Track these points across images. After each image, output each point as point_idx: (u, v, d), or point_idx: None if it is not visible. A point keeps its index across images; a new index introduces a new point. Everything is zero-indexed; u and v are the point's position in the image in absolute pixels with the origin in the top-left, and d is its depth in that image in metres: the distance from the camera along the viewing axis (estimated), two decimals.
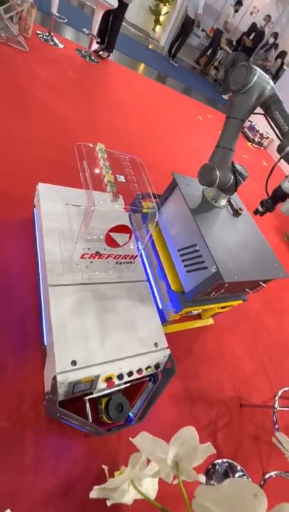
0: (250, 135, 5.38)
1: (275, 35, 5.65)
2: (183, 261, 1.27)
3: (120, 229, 0.99)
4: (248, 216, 1.45)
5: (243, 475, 1.10)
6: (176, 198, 1.35)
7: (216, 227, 1.22)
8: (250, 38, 5.68)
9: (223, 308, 1.52)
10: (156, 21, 6.62)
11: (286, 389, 1.37)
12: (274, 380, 1.68)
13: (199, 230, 1.15)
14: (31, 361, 1.05)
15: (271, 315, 2.11)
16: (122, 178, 1.03)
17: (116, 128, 2.64)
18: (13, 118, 1.93)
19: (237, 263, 1.12)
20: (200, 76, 6.82)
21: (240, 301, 1.46)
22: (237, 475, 1.08)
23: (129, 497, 0.31)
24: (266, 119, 1.14)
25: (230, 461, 1.13)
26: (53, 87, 2.48)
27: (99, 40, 3.56)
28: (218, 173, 1.15)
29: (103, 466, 0.31)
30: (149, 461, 0.31)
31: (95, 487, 0.29)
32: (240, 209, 1.39)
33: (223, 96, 6.40)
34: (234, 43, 5.93)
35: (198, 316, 1.65)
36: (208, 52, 6.84)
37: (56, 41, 3.13)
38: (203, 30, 7.19)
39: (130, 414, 1.04)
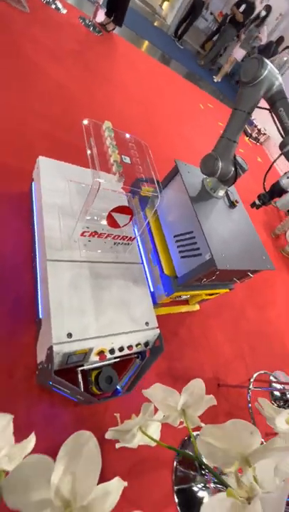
0: (248, 129, 5.38)
1: (268, 8, 5.30)
2: (178, 247, 1.31)
3: (122, 210, 1.01)
4: (243, 209, 1.50)
5: None
6: (176, 185, 1.37)
7: (213, 217, 1.27)
8: (241, 10, 5.14)
9: (210, 295, 1.59)
10: None
11: (261, 372, 1.49)
12: (250, 365, 1.80)
13: (197, 218, 1.18)
14: (24, 333, 1.07)
15: (252, 306, 2.22)
16: (127, 160, 1.03)
17: (117, 107, 2.57)
18: (12, 84, 1.84)
19: (230, 252, 1.18)
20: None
21: (227, 290, 1.53)
22: None
23: (136, 441, 0.36)
24: (270, 114, 1.16)
25: None
26: (54, 56, 2.36)
27: (106, 10, 3.37)
28: (220, 163, 1.18)
29: (115, 414, 0.35)
30: (156, 411, 0.36)
31: (111, 428, 0.33)
32: (236, 201, 1.43)
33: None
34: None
35: (186, 302, 1.72)
36: (215, 38, 6.65)
37: (59, 5, 2.95)
38: (211, 13, 6.95)
39: (118, 387, 1.10)
